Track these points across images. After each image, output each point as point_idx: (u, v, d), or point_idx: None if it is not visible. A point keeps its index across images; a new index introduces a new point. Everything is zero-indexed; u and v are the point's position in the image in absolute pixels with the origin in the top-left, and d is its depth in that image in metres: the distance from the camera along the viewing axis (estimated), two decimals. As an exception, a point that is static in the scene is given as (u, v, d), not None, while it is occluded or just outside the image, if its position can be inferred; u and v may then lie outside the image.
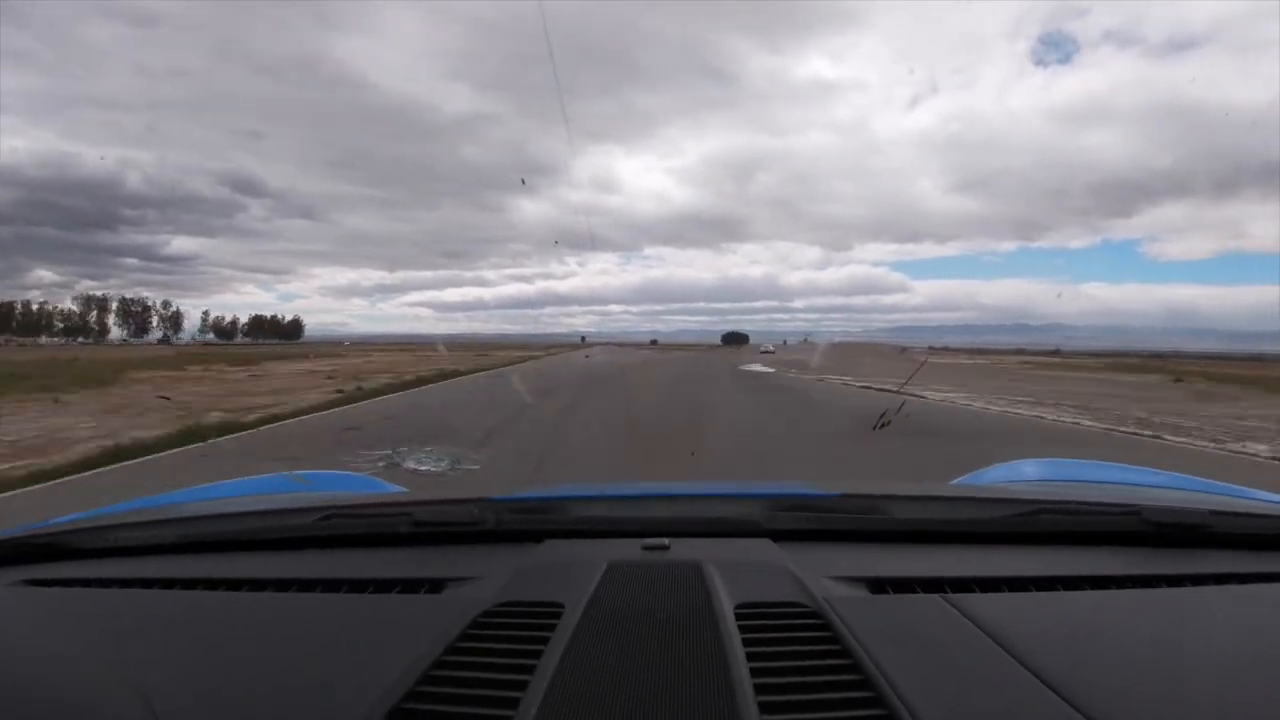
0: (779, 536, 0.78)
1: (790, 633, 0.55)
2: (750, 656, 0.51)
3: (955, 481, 1.41)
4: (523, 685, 0.48)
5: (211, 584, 0.74)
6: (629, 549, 0.74)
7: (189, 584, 0.75)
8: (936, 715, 0.44)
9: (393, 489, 1.41)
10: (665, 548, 0.74)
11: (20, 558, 0.85)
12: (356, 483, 1.54)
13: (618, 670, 0.50)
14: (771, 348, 65.90)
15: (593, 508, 0.95)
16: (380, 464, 5.92)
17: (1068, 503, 0.88)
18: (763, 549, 0.75)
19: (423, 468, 5.90)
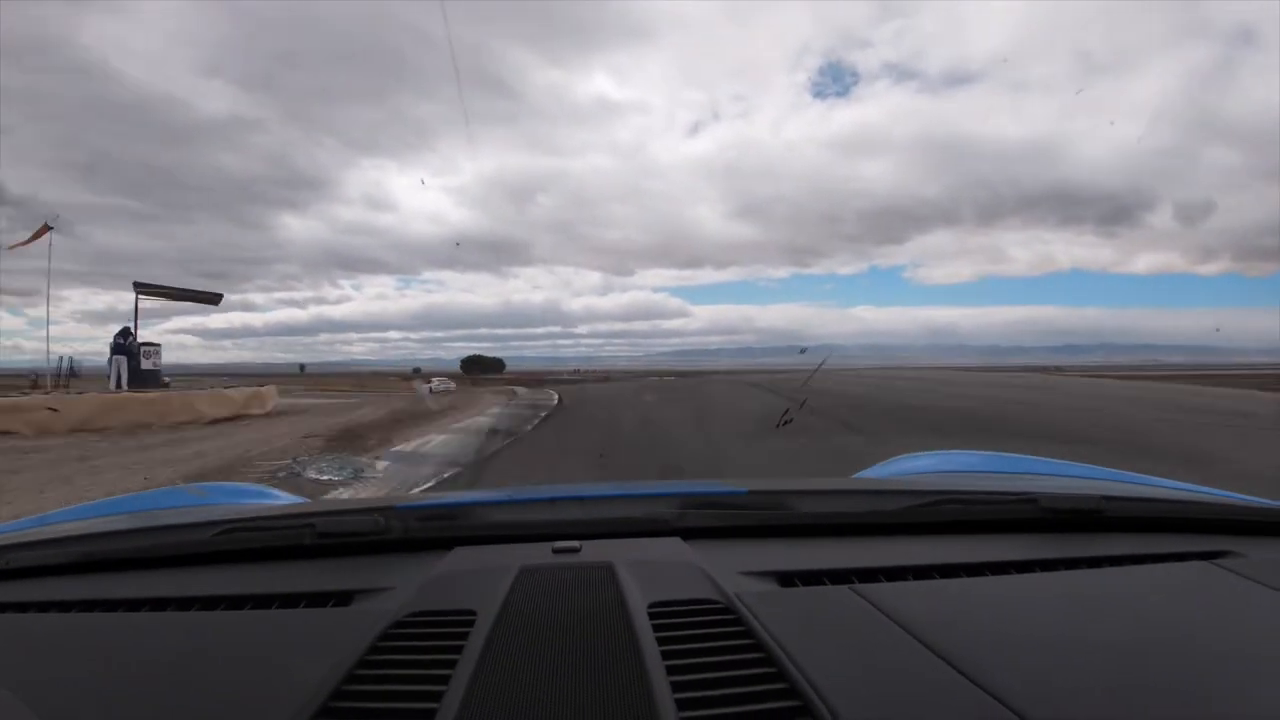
0: (689, 535, 0.79)
1: (703, 629, 0.56)
2: (665, 655, 0.52)
3: (859, 474, 1.48)
4: (438, 696, 0.48)
5: (110, 605, 0.70)
6: (540, 553, 0.73)
7: (86, 606, 0.70)
8: (849, 702, 0.46)
9: (293, 499, 1.35)
10: (576, 550, 0.74)
11: None
12: (255, 494, 1.46)
13: (533, 675, 0.50)
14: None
15: (502, 512, 0.93)
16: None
17: (968, 492, 0.93)
18: (673, 547, 0.76)
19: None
